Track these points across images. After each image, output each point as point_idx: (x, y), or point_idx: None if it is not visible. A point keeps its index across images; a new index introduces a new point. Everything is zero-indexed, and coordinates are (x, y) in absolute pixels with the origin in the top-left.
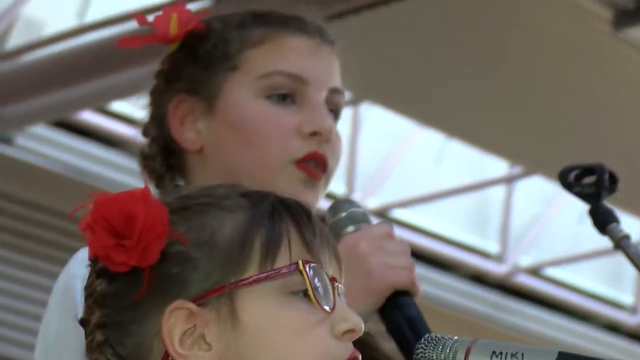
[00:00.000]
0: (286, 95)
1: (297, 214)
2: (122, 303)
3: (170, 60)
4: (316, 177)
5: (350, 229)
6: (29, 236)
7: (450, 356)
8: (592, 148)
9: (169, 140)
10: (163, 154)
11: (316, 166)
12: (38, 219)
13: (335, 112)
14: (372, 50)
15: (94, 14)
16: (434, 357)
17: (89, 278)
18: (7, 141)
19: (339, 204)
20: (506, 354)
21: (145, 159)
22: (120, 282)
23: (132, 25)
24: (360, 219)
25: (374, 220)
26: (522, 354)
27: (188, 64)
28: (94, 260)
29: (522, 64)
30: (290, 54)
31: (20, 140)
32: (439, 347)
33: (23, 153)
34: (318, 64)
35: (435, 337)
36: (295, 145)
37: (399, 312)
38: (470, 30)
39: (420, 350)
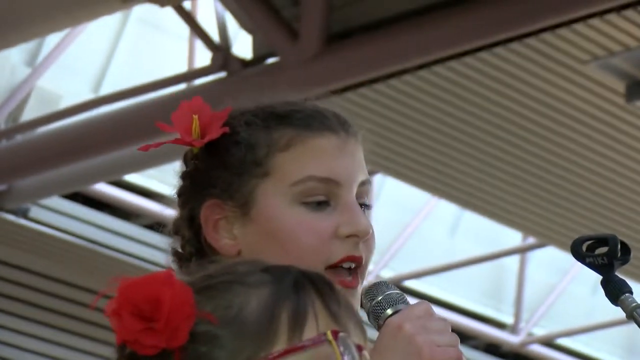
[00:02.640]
0: (321, 201)
1: (320, 285)
2: None
3: (197, 164)
4: (352, 287)
5: (389, 311)
6: (42, 307)
7: None
8: (604, 219)
9: (204, 243)
10: (198, 254)
11: (352, 268)
12: (52, 289)
13: (365, 205)
14: (386, 123)
15: (108, 88)
16: None
17: None
18: (22, 213)
19: (374, 288)
20: None
21: (180, 259)
22: None
23: (145, 98)
24: (398, 299)
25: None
26: None
27: (218, 169)
28: (121, 345)
29: (536, 137)
30: (320, 157)
31: (35, 211)
32: None
33: (37, 225)
34: (347, 161)
35: None
36: (332, 248)
37: None
38: (484, 105)
39: None
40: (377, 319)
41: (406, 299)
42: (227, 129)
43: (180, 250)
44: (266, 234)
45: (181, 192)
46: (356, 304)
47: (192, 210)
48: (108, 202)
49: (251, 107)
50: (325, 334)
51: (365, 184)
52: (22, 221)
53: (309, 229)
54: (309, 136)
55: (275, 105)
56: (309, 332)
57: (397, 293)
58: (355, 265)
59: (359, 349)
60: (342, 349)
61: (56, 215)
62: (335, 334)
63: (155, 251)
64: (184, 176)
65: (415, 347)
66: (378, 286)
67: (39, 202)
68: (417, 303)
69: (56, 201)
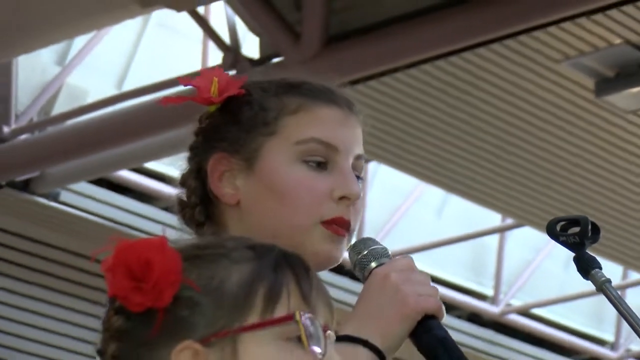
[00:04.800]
0: (320, 162)
1: (298, 268)
2: (136, 339)
3: (210, 120)
4: (341, 234)
5: (373, 264)
6: (71, 280)
7: None
8: (576, 202)
9: (208, 192)
10: (202, 204)
11: (341, 226)
12: (78, 264)
13: (358, 176)
14: (380, 116)
15: (130, 84)
16: None
17: (107, 313)
18: (54, 197)
19: (361, 243)
20: None
21: (184, 207)
22: (135, 321)
23: (163, 93)
24: (382, 254)
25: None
26: None
27: (229, 125)
28: (112, 298)
29: (514, 128)
30: (324, 123)
31: (64, 195)
32: None
33: (66, 207)
34: (347, 133)
35: None
36: (326, 207)
37: (431, 334)
38: (468, 99)
39: None
40: (362, 270)
41: (389, 254)
42: (243, 91)
43: (184, 198)
44: (266, 187)
45: (192, 147)
46: (340, 256)
47: (200, 162)
48: (129, 187)
49: (267, 78)
50: (294, 314)
51: (359, 158)
52: (53, 204)
53: (306, 187)
54: (317, 104)
55: (289, 77)
56: (281, 310)
57: (382, 247)
58: (344, 228)
59: (324, 329)
60: (308, 328)
61: (83, 199)
62: (302, 314)
63: (170, 230)
64: (197, 132)
65: (401, 295)
66: (364, 241)
67: (68, 187)
68: (400, 257)
69: (83, 186)
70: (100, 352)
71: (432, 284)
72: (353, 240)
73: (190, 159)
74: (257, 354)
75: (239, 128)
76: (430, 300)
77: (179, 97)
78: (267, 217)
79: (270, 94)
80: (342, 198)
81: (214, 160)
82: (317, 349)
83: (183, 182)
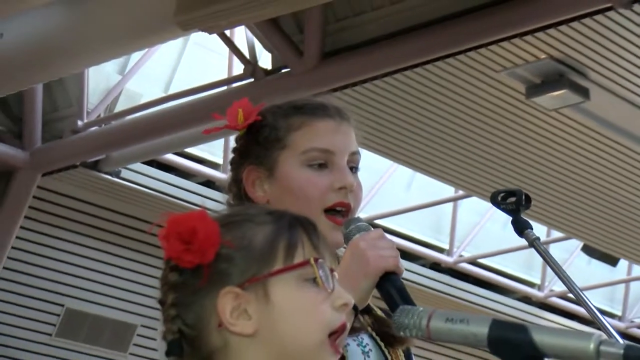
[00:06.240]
0: (321, 164)
1: (307, 225)
2: (189, 289)
3: (241, 142)
4: (339, 224)
5: (357, 236)
6: (129, 237)
7: (417, 321)
8: (513, 178)
9: (245, 195)
10: (241, 204)
11: (343, 211)
12: (135, 225)
13: (355, 167)
14: (364, 113)
15: (174, 89)
16: (406, 322)
17: (163, 272)
18: (116, 174)
19: (350, 221)
20: (456, 319)
21: (231, 207)
22: (187, 275)
23: (198, 95)
24: (363, 228)
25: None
26: (468, 320)
27: (253, 145)
28: (168, 260)
29: (465, 121)
30: (321, 135)
31: (124, 173)
32: (409, 315)
33: (126, 182)
34: (340, 138)
35: (407, 308)
36: (328, 197)
37: (389, 285)
38: (430, 100)
39: (396, 318)
40: (347, 242)
41: (370, 228)
42: (259, 118)
43: (231, 201)
44: (285, 188)
45: (231, 162)
46: (340, 238)
47: (237, 174)
48: (174, 166)
49: (278, 103)
50: (309, 260)
51: (355, 154)
52: (116, 179)
53: (312, 183)
54: (314, 120)
55: (294, 100)
56: (298, 258)
57: (365, 224)
58: (345, 210)
59: (331, 270)
60: (319, 270)
61: (139, 175)
62: (316, 260)
63: (205, 200)
64: (233, 151)
65: (365, 258)
66: (352, 220)
67: (127, 166)
68: (373, 230)
69: (138, 165)
70: (161, 302)
71: (394, 247)
72: (346, 219)
73: (231, 171)
74: (283, 292)
75: (260, 147)
76: (389, 260)
77: (215, 127)
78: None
79: (280, 116)
80: (341, 188)
81: (247, 172)
82: (328, 286)
83: (228, 188)
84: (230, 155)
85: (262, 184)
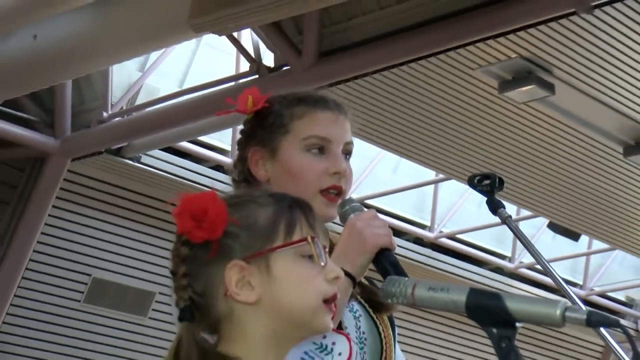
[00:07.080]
0: (320, 147)
1: (304, 207)
2: (199, 261)
3: (248, 125)
4: (334, 201)
5: (352, 215)
6: (148, 215)
7: (403, 290)
8: (488, 162)
9: (248, 173)
10: (246, 181)
11: (336, 193)
12: (154, 205)
13: (348, 155)
14: (356, 105)
15: (189, 83)
16: (393, 291)
17: (175, 245)
18: (137, 159)
19: (345, 201)
20: (438, 288)
21: (236, 183)
22: (197, 249)
23: (209, 90)
24: (357, 209)
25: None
26: (448, 289)
27: (259, 129)
28: (180, 235)
29: (445, 113)
30: (320, 124)
31: (145, 158)
32: (396, 284)
33: (145, 166)
34: (337, 128)
35: (394, 278)
36: (324, 180)
37: (384, 260)
38: (414, 95)
39: (384, 286)
40: (344, 221)
41: (363, 209)
42: (267, 105)
43: (236, 178)
44: (285, 169)
45: (238, 142)
46: (336, 214)
47: (243, 153)
48: (188, 152)
49: (283, 94)
50: (306, 238)
51: (349, 144)
52: (137, 164)
53: (310, 167)
54: (316, 111)
55: (298, 92)
56: (297, 235)
57: (358, 205)
58: (337, 192)
59: (324, 247)
60: (315, 247)
61: (157, 160)
62: (312, 238)
63: (215, 182)
64: (241, 132)
65: (362, 236)
66: (347, 201)
67: (147, 153)
68: (367, 210)
69: (157, 152)
70: (173, 273)
71: (387, 226)
72: (341, 200)
73: (238, 150)
74: (283, 266)
75: (265, 130)
76: (384, 238)
77: (227, 111)
78: (286, 190)
79: (285, 105)
80: (335, 173)
81: (252, 152)
82: (321, 261)
83: (234, 165)
84: (238, 136)
85: (264, 163)
